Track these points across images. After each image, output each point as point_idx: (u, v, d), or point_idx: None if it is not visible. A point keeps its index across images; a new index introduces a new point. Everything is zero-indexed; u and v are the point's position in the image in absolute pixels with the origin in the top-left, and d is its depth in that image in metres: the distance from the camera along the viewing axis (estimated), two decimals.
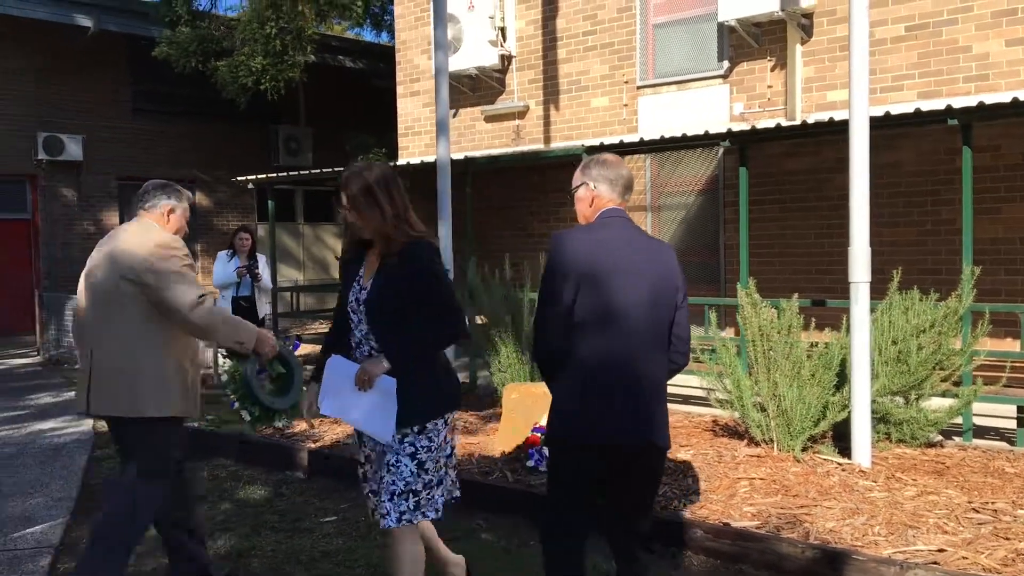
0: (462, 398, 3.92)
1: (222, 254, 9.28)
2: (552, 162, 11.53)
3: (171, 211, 4.32)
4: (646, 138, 8.84)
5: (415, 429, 3.53)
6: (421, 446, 3.54)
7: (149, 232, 4.12)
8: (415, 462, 3.52)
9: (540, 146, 11.98)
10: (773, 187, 10.28)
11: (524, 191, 12.42)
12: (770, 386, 5.85)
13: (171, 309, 3.91)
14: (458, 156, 10.47)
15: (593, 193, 3.53)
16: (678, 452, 6.12)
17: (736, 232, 10.41)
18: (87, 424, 8.48)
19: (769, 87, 10.24)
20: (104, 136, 18.15)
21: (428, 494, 3.57)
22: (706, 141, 8.24)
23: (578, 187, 3.58)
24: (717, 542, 4.79)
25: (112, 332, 3.97)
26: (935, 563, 4.29)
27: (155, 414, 3.94)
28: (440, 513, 3.65)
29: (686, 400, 8.55)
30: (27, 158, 17.03)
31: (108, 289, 4.00)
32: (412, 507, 3.52)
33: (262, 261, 9.35)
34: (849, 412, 5.76)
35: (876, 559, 4.33)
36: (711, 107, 10.65)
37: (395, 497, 3.49)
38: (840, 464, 5.70)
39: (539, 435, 5.97)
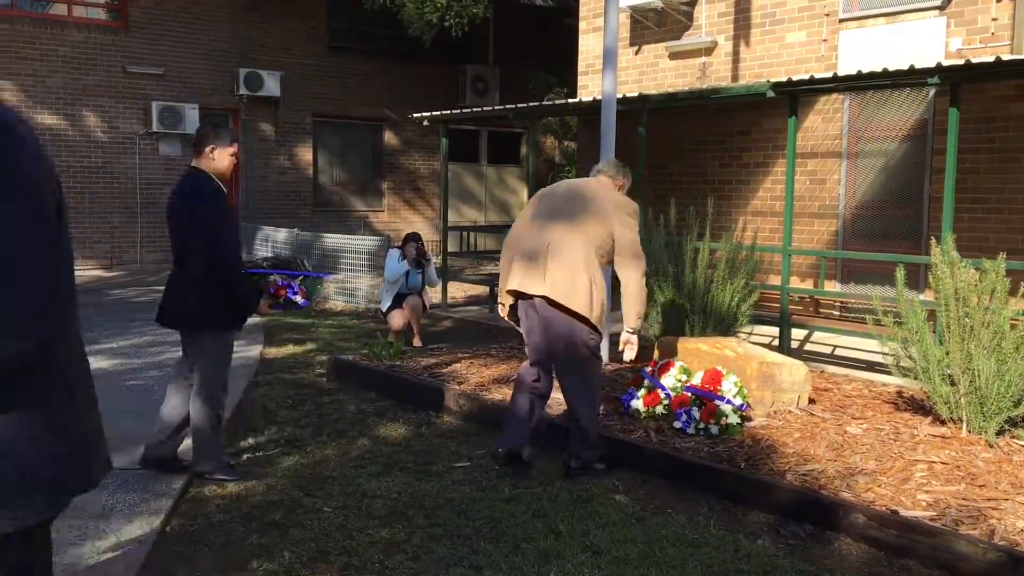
0: None
1: (393, 251, 9.31)
2: (737, 103, 10.75)
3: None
4: (843, 75, 7.95)
5: None
6: None
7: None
8: None
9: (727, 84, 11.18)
10: (993, 134, 9.09)
11: (707, 133, 11.68)
12: (963, 357, 5.08)
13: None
14: (632, 94, 9.89)
15: None
16: (848, 425, 5.47)
17: (942, 183, 9.34)
18: (256, 350, 8.72)
19: (994, 20, 9.00)
20: (301, 73, 18.71)
21: None
22: (911, 78, 7.28)
23: None
24: (881, 531, 4.19)
25: None
26: None
27: None
28: None
29: (871, 367, 7.76)
30: (229, 93, 17.82)
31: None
32: None
33: (431, 259, 9.39)
34: None
35: None
36: (924, 43, 9.51)
37: None
38: None
39: (689, 394, 5.49)
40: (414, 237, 9.27)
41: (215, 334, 4.87)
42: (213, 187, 4.79)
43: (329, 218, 19.09)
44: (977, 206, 9.21)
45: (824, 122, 10.52)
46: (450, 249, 17.81)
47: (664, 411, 5.57)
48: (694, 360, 5.83)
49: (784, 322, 8.41)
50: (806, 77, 7.82)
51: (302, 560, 3.94)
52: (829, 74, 7.72)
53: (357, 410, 6.52)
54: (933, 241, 5.42)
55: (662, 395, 5.61)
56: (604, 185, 5.26)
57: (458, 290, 14.07)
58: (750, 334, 9.31)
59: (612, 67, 7.10)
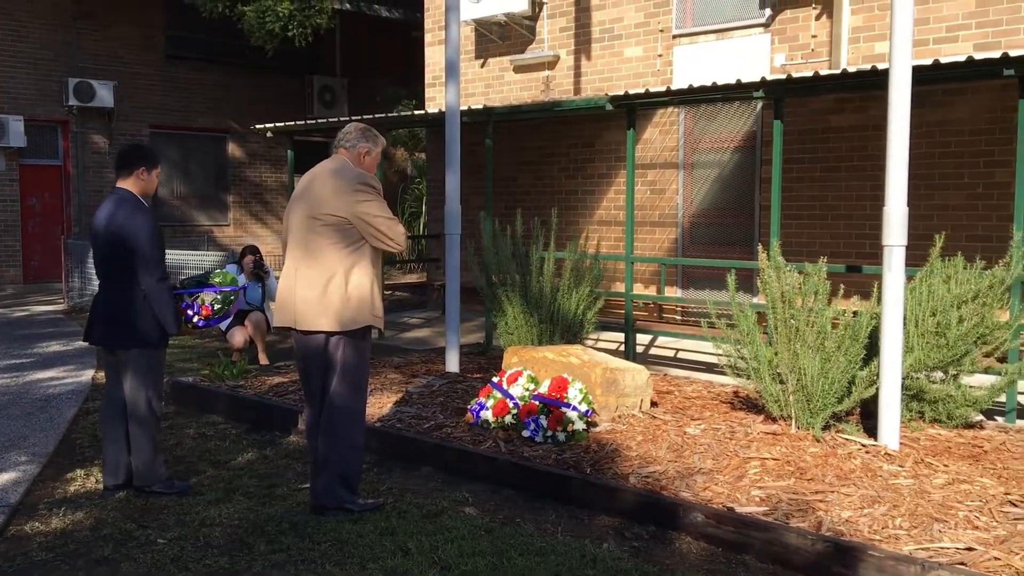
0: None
1: (230, 267, 9.01)
2: (581, 116, 11.01)
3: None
4: (675, 89, 8.25)
5: None
6: None
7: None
8: None
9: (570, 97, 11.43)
10: (815, 144, 9.65)
11: (553, 146, 11.90)
12: (790, 357, 5.35)
13: None
14: (478, 106, 9.96)
15: None
16: (687, 426, 5.66)
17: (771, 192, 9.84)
18: (87, 375, 8.26)
19: (813, 36, 9.56)
20: (137, 83, 17.92)
21: None
22: (738, 91, 7.64)
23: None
24: (719, 528, 4.34)
25: None
26: (962, 563, 3.80)
27: None
28: None
29: (710, 368, 8.07)
30: (57, 104, 16.87)
31: None
32: None
33: (271, 272, 9.11)
34: (877, 388, 5.24)
35: (895, 556, 3.85)
36: (751, 58, 10.00)
37: None
38: (864, 446, 5.20)
39: (537, 403, 5.55)
40: (251, 249, 9.01)
41: (144, 351, 4.90)
42: (142, 206, 4.97)
43: (171, 233, 18.32)
44: (802, 213, 9.74)
45: (661, 134, 10.89)
46: None
47: (513, 420, 5.61)
48: (542, 368, 5.91)
49: (629, 328, 8.65)
50: (642, 91, 8.07)
51: None
52: (663, 88, 8.00)
53: (197, 434, 6.27)
54: (760, 247, 5.68)
55: (511, 404, 5.65)
56: (339, 162, 4.60)
57: None
58: (597, 340, 9.55)
59: (455, 79, 7.12)
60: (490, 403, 5.74)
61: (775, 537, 4.16)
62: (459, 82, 7.18)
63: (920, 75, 5.93)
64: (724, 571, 4.10)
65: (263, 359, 8.84)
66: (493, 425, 5.65)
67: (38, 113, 16.68)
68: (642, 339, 9.93)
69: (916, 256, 5.61)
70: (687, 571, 4.07)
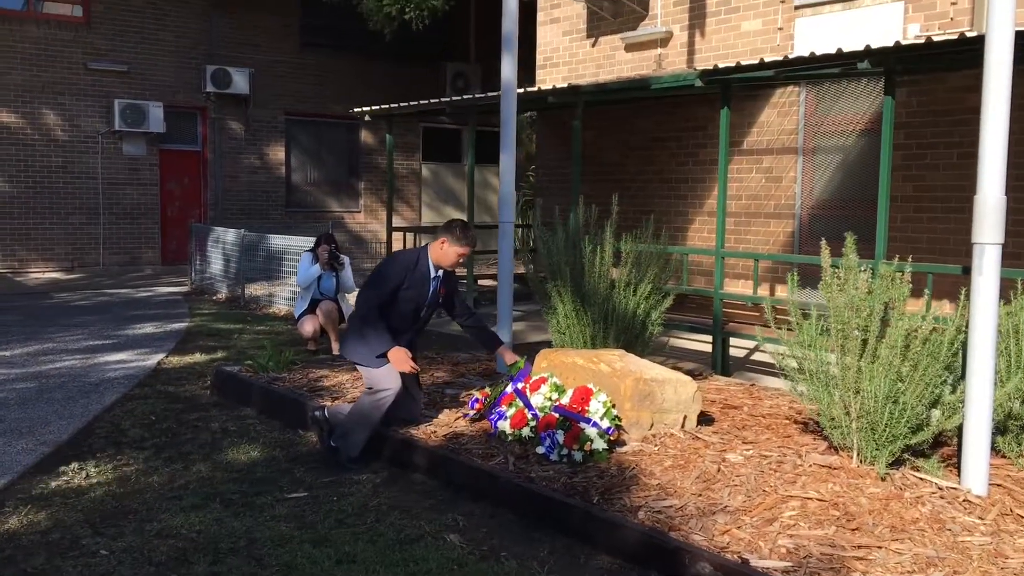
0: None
1: (306, 254, 8.72)
2: (692, 97, 10.12)
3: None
4: (770, 61, 7.29)
5: None
6: None
7: None
8: None
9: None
10: (950, 127, 8.40)
11: (661, 129, 11.04)
12: (854, 376, 4.44)
13: None
14: (562, 85, 9.27)
15: None
16: (732, 451, 4.83)
17: (905, 182, 8.67)
18: (155, 359, 8.20)
19: (953, 4, 8.31)
20: (272, 71, 18.21)
21: None
22: (840, 62, 6.62)
23: None
24: None
25: None
26: None
27: None
28: None
29: None
30: (196, 91, 17.34)
31: None
32: None
33: (346, 262, 8.75)
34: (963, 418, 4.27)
35: None
36: (882, 29, 8.82)
37: None
38: (940, 488, 4.23)
39: (557, 415, 4.88)
40: (327, 238, 8.70)
41: None
42: None
43: (302, 219, 18.57)
44: (937, 205, 8.53)
45: (780, 116, 9.85)
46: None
47: (531, 433, 4.96)
48: (570, 375, 5.22)
49: (718, 330, 7.78)
50: (732, 64, 7.17)
51: None
52: (755, 61, 7.07)
53: (220, 429, 5.96)
54: (824, 242, 4.77)
55: (529, 415, 5.00)
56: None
57: None
58: (667, 342, 8.71)
59: (512, 52, 6.53)
60: (510, 412, 5.12)
61: None
62: (515, 55, 6.57)
63: None
64: None
65: (335, 349, 8.52)
66: (510, 437, 5.03)
67: (178, 100, 17.19)
68: (748, 344, 8.99)
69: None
70: None
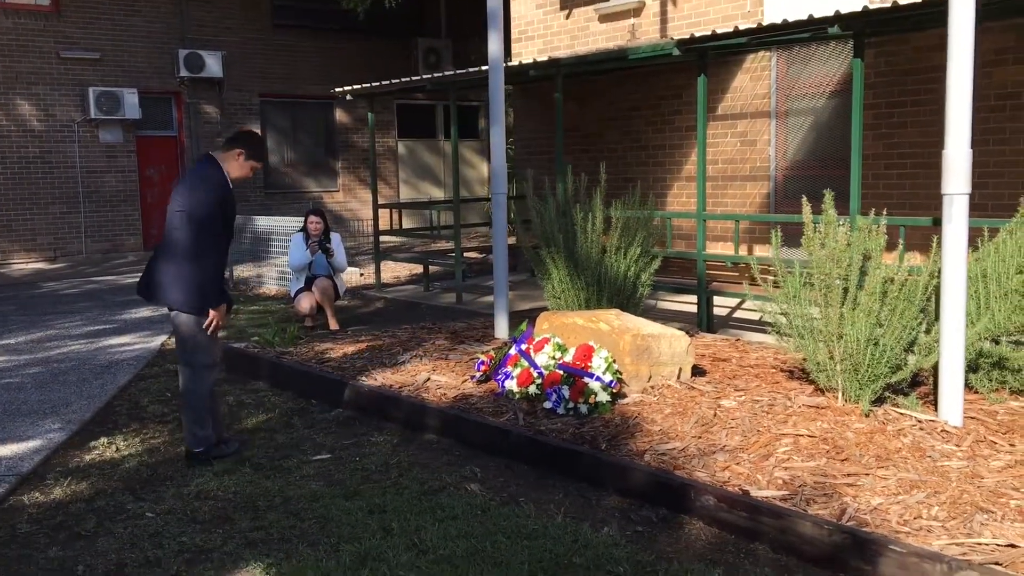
0: None
1: (297, 236, 8.92)
2: (668, 66, 10.39)
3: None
4: (744, 28, 7.59)
5: None
6: None
7: None
8: None
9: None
10: (918, 86, 8.75)
11: (638, 98, 11.32)
12: (836, 321, 4.79)
13: None
14: (543, 58, 9.53)
15: None
16: (726, 398, 5.18)
17: (875, 140, 9.02)
18: (158, 341, 8.42)
19: None
20: (245, 52, 18.24)
21: None
22: (811, 28, 6.93)
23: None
24: (731, 513, 3.91)
25: None
26: (996, 563, 3.26)
27: None
28: None
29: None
30: (170, 76, 17.37)
31: None
32: None
33: (336, 240, 8.96)
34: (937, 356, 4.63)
35: (919, 552, 3.34)
36: None
37: None
38: (920, 422, 4.61)
39: (561, 372, 5.20)
40: (315, 211, 8.91)
41: None
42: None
43: (281, 200, 18.71)
44: (906, 161, 8.90)
45: (752, 81, 10.17)
46: (410, 226, 17.49)
47: (537, 391, 5.28)
48: (571, 335, 5.54)
49: (702, 290, 8.13)
50: (707, 33, 7.46)
51: (95, 574, 3.66)
52: (730, 29, 7.36)
53: (235, 402, 6.23)
54: (804, 199, 5.09)
55: (535, 374, 5.32)
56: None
57: (404, 269, 13.75)
58: (656, 303, 9.03)
59: (497, 28, 6.76)
60: (516, 372, 5.43)
61: (788, 525, 3.71)
62: (501, 31, 6.81)
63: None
64: (729, 562, 3.68)
65: (333, 324, 8.79)
66: (517, 395, 5.34)
67: (152, 85, 17.21)
68: (729, 302, 9.35)
69: (1006, 208, 4.88)
70: (687, 561, 3.68)
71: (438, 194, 20.95)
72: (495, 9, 6.74)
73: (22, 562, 3.78)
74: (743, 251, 10.08)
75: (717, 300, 8.67)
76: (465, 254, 12.99)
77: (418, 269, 13.29)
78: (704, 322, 8.12)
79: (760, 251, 9.94)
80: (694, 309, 8.76)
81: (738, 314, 9.29)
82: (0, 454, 5.13)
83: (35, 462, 4.97)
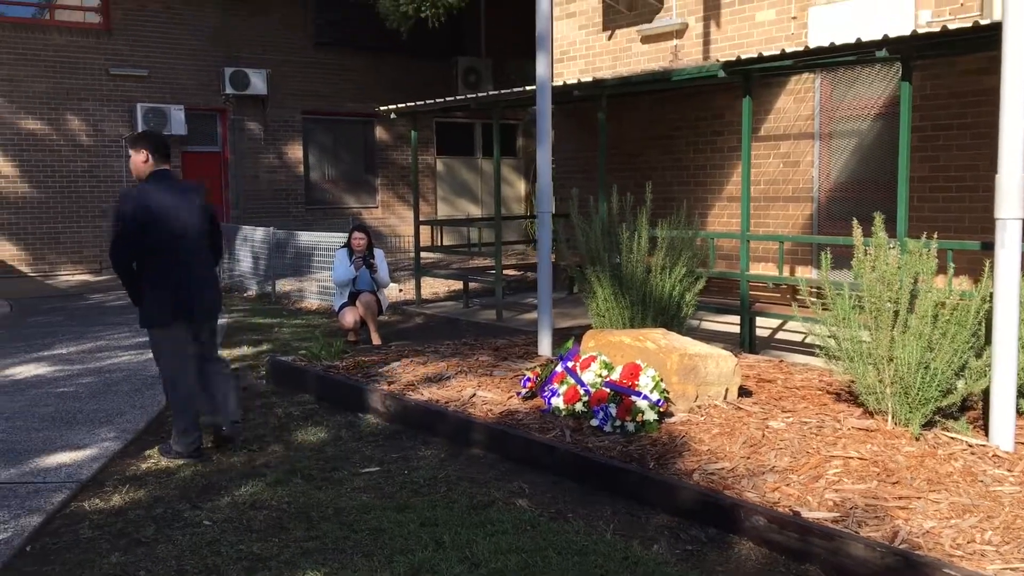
0: None
1: (340, 252, 9.07)
2: (710, 86, 10.43)
3: None
4: (791, 52, 7.62)
5: None
6: None
7: None
8: None
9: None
10: (964, 109, 8.72)
11: (680, 118, 11.37)
12: (887, 344, 4.79)
13: None
14: (588, 79, 9.61)
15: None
16: (773, 419, 5.19)
17: (921, 163, 8.99)
18: None
19: None
20: (288, 70, 18.54)
21: None
22: (859, 52, 6.95)
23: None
24: (781, 534, 3.92)
25: None
26: None
27: None
28: None
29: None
30: (216, 93, 17.70)
31: None
32: None
33: (380, 256, 9.11)
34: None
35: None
36: (894, 17, 9.13)
37: None
38: (971, 446, 4.59)
39: (608, 390, 5.24)
40: (359, 228, 9.05)
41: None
42: None
43: (322, 216, 18.94)
44: (951, 185, 8.85)
45: (796, 103, 10.18)
46: (447, 243, 17.62)
47: (584, 408, 5.33)
48: (617, 353, 5.58)
49: (745, 311, 8.13)
50: (754, 55, 7.50)
51: None
52: (777, 51, 7.40)
53: (284, 414, 6.33)
54: (855, 221, 5.11)
55: (581, 391, 5.36)
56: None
57: (442, 285, 13.85)
58: (700, 324, 9.03)
59: (545, 49, 6.85)
60: (562, 389, 5.48)
61: (839, 547, 3.71)
62: (550, 53, 6.90)
63: None
64: None
65: (375, 339, 8.89)
66: (564, 412, 5.39)
67: (198, 102, 17.54)
68: (769, 323, 9.33)
69: None
70: None
71: (475, 211, 21.10)
72: (544, 31, 6.84)
73: (84, 567, 3.88)
74: (785, 272, 10.07)
75: (758, 321, 8.67)
76: (504, 271, 13.06)
77: (456, 285, 13.38)
78: (747, 342, 8.12)
79: (801, 272, 9.92)
80: (735, 329, 8.76)
81: (779, 335, 9.27)
82: (60, 461, 5.26)
83: (93, 469, 5.09)
